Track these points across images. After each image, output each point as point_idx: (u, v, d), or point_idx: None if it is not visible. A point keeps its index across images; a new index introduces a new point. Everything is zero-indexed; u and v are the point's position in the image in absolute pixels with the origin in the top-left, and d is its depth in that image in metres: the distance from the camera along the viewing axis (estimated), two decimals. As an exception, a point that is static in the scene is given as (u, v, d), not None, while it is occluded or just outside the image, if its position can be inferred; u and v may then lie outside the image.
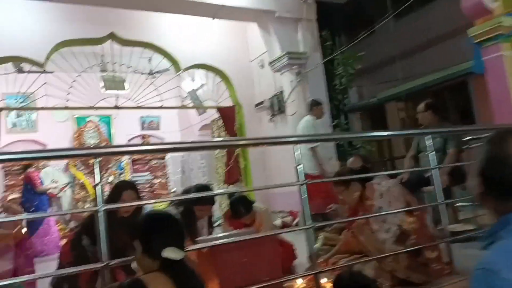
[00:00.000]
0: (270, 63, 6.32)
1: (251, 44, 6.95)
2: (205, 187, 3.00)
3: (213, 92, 7.00)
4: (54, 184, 6.66)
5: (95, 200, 1.93)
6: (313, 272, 1.91)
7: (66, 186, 7.61)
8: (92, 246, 2.97)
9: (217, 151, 7.34)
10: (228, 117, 6.75)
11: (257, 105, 6.88)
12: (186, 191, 3.08)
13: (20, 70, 5.92)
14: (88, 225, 2.95)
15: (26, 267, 2.96)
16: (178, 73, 6.50)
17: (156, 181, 9.25)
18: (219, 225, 3.49)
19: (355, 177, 2.29)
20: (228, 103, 6.86)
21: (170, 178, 9.43)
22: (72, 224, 7.79)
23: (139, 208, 3.00)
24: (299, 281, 2.07)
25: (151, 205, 5.25)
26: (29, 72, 5.76)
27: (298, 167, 2.02)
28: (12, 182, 7.83)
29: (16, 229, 2.50)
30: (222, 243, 1.93)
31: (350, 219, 2.36)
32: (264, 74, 6.71)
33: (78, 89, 5.77)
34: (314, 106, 5.05)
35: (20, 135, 7.99)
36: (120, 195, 2.87)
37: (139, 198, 2.95)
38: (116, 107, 6.10)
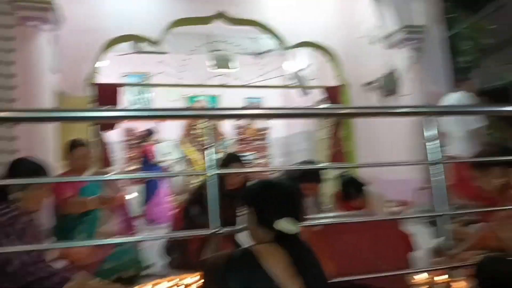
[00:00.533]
0: (383, 38, 5.83)
1: (359, 19, 6.48)
2: (311, 163, 2.82)
3: (318, 71, 6.74)
4: (166, 157, 7.10)
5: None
6: (445, 267, 1.63)
7: (176, 161, 8.10)
8: (199, 216, 3.02)
9: (320, 133, 7.11)
10: (334, 97, 6.44)
11: (365, 85, 6.44)
12: (291, 171, 2.95)
13: (138, 50, 6.33)
14: (196, 196, 3.00)
15: (128, 231, 3.14)
16: (283, 52, 6.37)
17: (261, 161, 9.39)
18: (328, 207, 3.30)
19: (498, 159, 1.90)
20: (333, 82, 6.55)
21: (272, 160, 9.49)
22: (184, 196, 8.31)
23: (246, 182, 2.95)
24: (423, 276, 1.80)
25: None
26: (145, 52, 6.15)
27: (430, 143, 1.73)
28: (132, 155, 8.57)
29: (119, 194, 2.69)
30: (336, 224, 1.75)
31: (488, 209, 1.98)
32: (373, 51, 6.21)
33: (188, 68, 5.99)
34: (463, 81, 4.39)
35: (139, 112, 8.64)
36: (227, 167, 2.84)
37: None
38: (223, 86, 6.21)
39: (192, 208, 3.03)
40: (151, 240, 2.76)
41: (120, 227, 2.70)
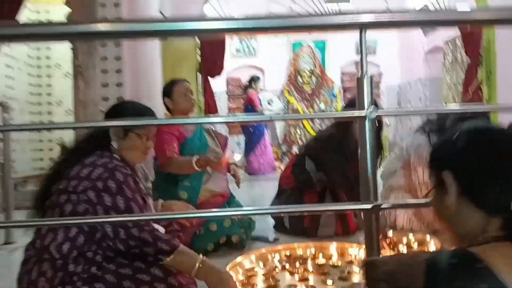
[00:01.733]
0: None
1: None
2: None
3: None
4: (270, 107, 6.73)
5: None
6: None
7: (280, 111, 7.74)
8: (317, 172, 2.55)
9: (448, 78, 6.04)
10: (471, 34, 5.29)
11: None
12: (436, 124, 2.26)
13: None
14: (314, 148, 2.52)
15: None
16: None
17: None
18: None
19: None
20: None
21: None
22: (284, 148, 7.99)
23: (378, 132, 2.37)
24: None
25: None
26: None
27: None
28: (234, 106, 8.41)
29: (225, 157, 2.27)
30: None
31: None
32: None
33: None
34: None
35: (242, 60, 8.36)
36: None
37: (380, 120, 2.32)
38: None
39: (309, 161, 2.57)
40: (269, 213, 2.36)
41: (223, 186, 2.34)
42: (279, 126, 8.07)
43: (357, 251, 1.98)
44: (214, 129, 2.55)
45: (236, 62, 8.22)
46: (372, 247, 0.94)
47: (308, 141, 2.75)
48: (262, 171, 5.91)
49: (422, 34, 7.24)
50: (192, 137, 2.33)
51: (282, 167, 6.90)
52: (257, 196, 4.09)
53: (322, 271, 1.77)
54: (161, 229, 1.84)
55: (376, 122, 2.28)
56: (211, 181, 2.29)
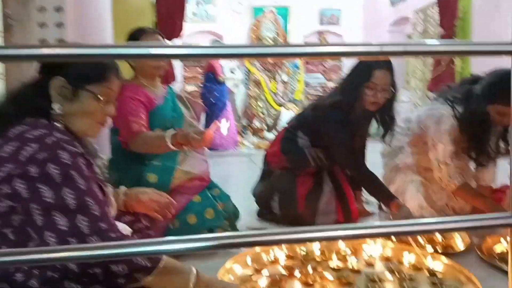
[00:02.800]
0: None
1: None
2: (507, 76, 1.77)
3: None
4: (233, 75, 6.21)
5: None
6: None
7: (240, 82, 7.24)
8: (312, 147, 2.13)
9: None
10: (447, 3, 5.05)
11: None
12: (461, 91, 1.90)
13: None
14: (311, 119, 2.08)
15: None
16: None
17: (330, 85, 8.25)
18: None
19: None
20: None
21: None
22: (244, 121, 7.52)
23: (392, 99, 1.98)
24: None
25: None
26: None
27: None
28: (192, 75, 7.75)
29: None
30: None
31: None
32: None
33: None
34: None
35: (199, 25, 7.67)
36: (370, 75, 1.87)
37: (394, 85, 1.92)
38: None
39: (301, 135, 2.13)
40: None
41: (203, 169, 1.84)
42: (239, 99, 7.57)
43: (376, 249, 1.61)
44: (187, 95, 2.03)
45: (192, 27, 7.52)
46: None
47: (303, 110, 2.30)
48: (224, 146, 5.44)
49: (389, 2, 6.98)
50: (163, 104, 1.80)
51: (245, 143, 6.52)
52: (228, 176, 3.63)
53: (345, 279, 1.36)
54: (127, 229, 1.33)
55: (391, 88, 1.89)
56: (188, 161, 1.80)
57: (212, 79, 5.47)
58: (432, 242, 1.70)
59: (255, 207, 2.26)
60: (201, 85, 5.92)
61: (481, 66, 4.51)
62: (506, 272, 1.40)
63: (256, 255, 1.56)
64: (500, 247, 1.62)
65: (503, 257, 1.53)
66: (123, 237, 1.02)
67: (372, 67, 1.86)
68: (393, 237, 1.79)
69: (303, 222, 1.97)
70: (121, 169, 1.71)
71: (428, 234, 1.59)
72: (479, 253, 1.55)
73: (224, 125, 1.90)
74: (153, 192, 1.40)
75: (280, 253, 1.58)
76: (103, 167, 1.23)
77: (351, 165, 2.00)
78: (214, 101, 5.43)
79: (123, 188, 1.36)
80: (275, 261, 1.55)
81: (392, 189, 2.05)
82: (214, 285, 1.09)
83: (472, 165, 2.07)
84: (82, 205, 0.94)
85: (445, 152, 1.86)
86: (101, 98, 1.08)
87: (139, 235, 1.33)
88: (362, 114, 1.98)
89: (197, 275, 1.06)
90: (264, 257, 1.56)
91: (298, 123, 2.17)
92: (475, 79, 1.90)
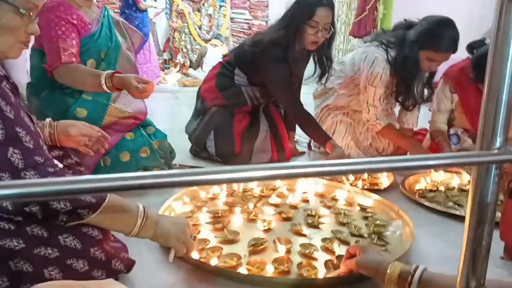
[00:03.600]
0: None
1: None
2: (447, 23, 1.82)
3: None
4: (155, 3, 5.74)
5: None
6: None
7: (161, 11, 6.73)
8: (250, 86, 2.08)
9: None
10: None
11: None
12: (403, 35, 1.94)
13: None
14: (249, 55, 2.00)
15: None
16: None
17: (256, 22, 8.07)
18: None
19: None
20: None
21: (270, 22, 8.19)
22: (166, 56, 7.13)
23: (331, 40, 1.97)
24: None
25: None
26: None
27: None
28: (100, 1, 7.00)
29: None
30: None
31: None
32: None
33: None
34: None
35: None
36: (312, 12, 1.82)
37: (333, 24, 1.90)
38: None
39: (238, 72, 2.07)
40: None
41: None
42: (161, 30, 7.09)
43: (310, 186, 1.67)
44: (125, 22, 1.81)
45: None
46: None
47: (240, 45, 2.19)
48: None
49: None
50: (98, 31, 1.58)
51: (168, 79, 6.20)
52: (153, 113, 3.45)
53: (285, 214, 1.40)
54: (58, 165, 1.21)
55: (330, 27, 1.88)
56: (122, 99, 1.64)
57: (131, 5, 5.00)
58: (359, 179, 1.81)
59: (187, 144, 2.19)
60: (119, 12, 5.39)
61: (402, 14, 4.67)
62: (426, 207, 1.55)
63: (194, 193, 1.53)
64: (420, 185, 1.80)
65: (422, 193, 1.69)
66: (62, 172, 0.92)
67: (314, 5, 1.81)
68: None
69: (239, 160, 1.97)
70: (43, 98, 1.52)
71: (361, 173, 1.69)
72: (402, 189, 1.69)
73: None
74: (84, 125, 1.27)
75: (218, 190, 1.57)
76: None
77: (289, 103, 1.99)
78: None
79: (48, 120, 1.20)
80: (214, 198, 1.54)
81: (322, 129, 2.11)
82: (164, 219, 1.05)
83: (397, 109, 2.20)
84: (12, 136, 0.81)
85: (376, 95, 1.94)
86: (24, 12, 0.91)
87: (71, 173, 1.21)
88: (301, 53, 1.96)
89: (145, 211, 1.01)
90: (203, 194, 1.54)
91: (235, 59, 2.08)
92: (409, 25, 1.95)
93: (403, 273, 0.89)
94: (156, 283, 1.05)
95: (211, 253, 1.13)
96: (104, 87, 1.39)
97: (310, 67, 2.17)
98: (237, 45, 2.42)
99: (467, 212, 0.68)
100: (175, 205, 1.43)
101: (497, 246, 1.24)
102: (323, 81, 2.09)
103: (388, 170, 0.52)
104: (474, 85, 1.88)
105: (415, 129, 2.22)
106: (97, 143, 1.28)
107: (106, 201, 0.93)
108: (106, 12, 1.66)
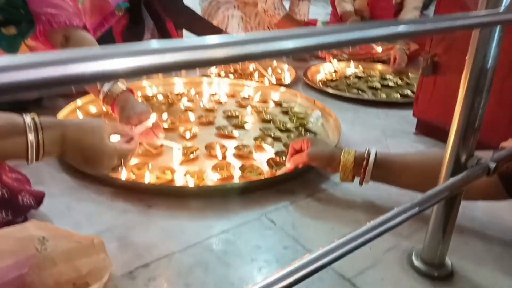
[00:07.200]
0: None
1: None
2: None
3: None
4: None
5: None
6: None
7: None
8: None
9: None
10: None
11: None
12: None
13: None
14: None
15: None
16: None
17: None
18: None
19: None
20: None
21: None
22: None
23: None
24: None
25: None
26: None
27: None
28: None
29: None
30: None
31: None
32: None
33: None
34: None
35: None
36: None
37: None
38: None
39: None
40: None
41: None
42: None
43: (218, 87, 1.54)
44: None
45: None
46: None
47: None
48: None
49: None
50: None
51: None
52: None
53: (206, 119, 1.26)
54: None
55: None
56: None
57: None
58: (263, 76, 1.74)
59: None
60: None
61: None
62: (333, 95, 1.58)
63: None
64: (320, 75, 1.82)
65: (326, 83, 1.72)
66: None
67: None
68: (230, 75, 1.76)
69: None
70: None
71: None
72: (306, 81, 1.68)
73: None
74: None
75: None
76: None
77: (169, 12, 1.76)
78: None
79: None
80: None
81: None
82: (77, 128, 0.77)
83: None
84: None
85: None
86: None
87: None
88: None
89: (35, 121, 0.70)
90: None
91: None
92: None
93: (357, 159, 0.87)
94: (82, 215, 0.84)
95: (137, 171, 0.96)
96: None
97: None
98: None
99: (462, 80, 0.65)
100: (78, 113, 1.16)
101: (408, 124, 1.34)
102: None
103: (390, 38, 0.40)
104: None
105: (306, 19, 2.20)
106: None
107: None
108: None
